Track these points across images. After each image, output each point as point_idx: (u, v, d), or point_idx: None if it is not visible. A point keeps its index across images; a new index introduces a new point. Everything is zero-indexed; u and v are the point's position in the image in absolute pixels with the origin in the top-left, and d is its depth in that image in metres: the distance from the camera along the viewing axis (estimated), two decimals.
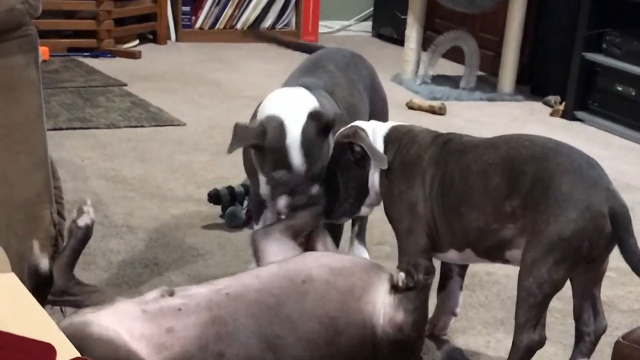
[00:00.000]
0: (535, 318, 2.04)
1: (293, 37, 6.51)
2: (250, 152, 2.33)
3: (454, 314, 2.43)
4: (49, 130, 2.28)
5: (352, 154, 2.27)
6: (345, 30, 7.03)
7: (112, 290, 2.45)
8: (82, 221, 2.06)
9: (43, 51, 4.68)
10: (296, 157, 2.21)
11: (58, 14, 5.53)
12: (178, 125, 4.30)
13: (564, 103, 5.00)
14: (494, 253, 2.14)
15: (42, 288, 1.91)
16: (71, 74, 5.15)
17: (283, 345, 1.84)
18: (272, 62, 5.56)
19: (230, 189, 3.17)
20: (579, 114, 4.90)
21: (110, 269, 2.75)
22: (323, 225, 2.32)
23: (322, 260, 2.02)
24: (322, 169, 2.27)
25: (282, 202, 2.27)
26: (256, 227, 2.50)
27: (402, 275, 2.00)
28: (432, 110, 4.86)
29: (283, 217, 2.31)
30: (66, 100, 4.58)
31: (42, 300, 1.87)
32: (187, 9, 6.32)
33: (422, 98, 5.08)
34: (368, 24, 7.02)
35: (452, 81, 5.43)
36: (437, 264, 2.40)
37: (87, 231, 2.06)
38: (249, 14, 6.45)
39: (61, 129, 4.09)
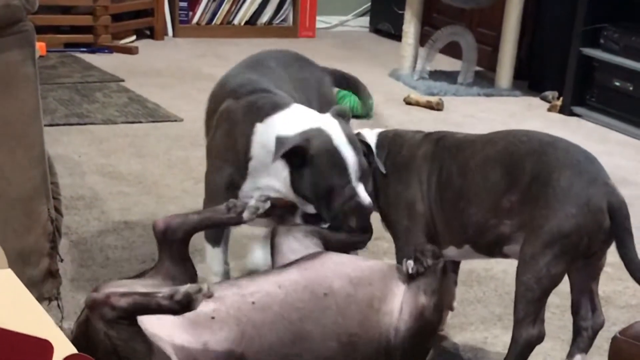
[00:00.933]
0: (534, 313, 2.04)
1: (291, 32, 6.52)
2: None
3: (451, 309, 2.44)
4: (45, 126, 2.27)
5: None
6: (342, 25, 7.02)
7: None
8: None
9: (40, 47, 4.69)
10: (349, 154, 2.11)
11: (55, 9, 5.51)
12: (175, 121, 4.30)
13: (561, 98, 4.99)
14: (493, 248, 2.14)
15: None
16: (68, 69, 5.15)
17: None
18: None
19: None
20: (577, 109, 4.90)
21: (107, 265, 2.74)
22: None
23: (341, 269, 1.96)
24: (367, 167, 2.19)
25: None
26: (213, 250, 2.37)
27: (410, 262, 1.98)
28: (429, 106, 4.86)
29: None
30: (63, 96, 4.57)
31: None
32: (184, 4, 6.32)
33: (420, 93, 5.08)
34: (365, 19, 7.01)
35: (449, 76, 5.43)
36: None
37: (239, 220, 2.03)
38: (246, 10, 6.45)
39: (58, 124, 4.08)
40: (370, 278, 1.96)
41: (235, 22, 6.46)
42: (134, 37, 6.03)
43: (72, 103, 4.47)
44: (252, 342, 1.77)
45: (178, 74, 5.27)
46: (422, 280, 1.97)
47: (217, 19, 6.42)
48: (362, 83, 2.94)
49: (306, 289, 1.88)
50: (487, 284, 2.79)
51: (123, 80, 4.97)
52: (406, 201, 2.20)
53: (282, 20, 6.59)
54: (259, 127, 2.20)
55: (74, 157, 3.69)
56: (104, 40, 5.68)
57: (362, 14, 7.04)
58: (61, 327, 1.54)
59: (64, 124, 4.11)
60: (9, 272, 1.56)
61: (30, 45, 2.13)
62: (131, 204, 3.23)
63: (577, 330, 2.17)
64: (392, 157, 2.26)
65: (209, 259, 2.38)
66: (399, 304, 1.96)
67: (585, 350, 2.16)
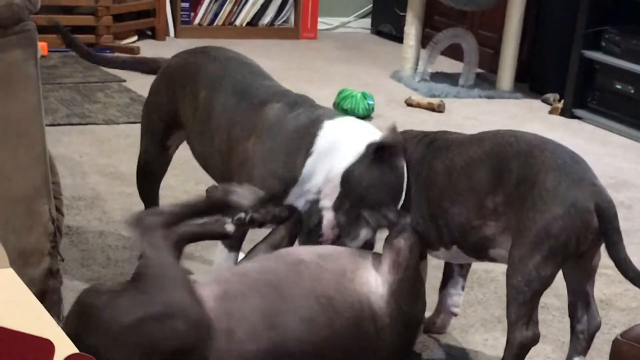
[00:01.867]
0: (526, 315, 2.03)
1: (292, 34, 6.53)
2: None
3: (454, 314, 2.43)
4: (47, 126, 2.27)
5: None
6: (344, 27, 7.02)
7: None
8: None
9: (42, 46, 4.68)
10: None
11: (57, 9, 5.51)
12: None
13: (562, 101, 5.00)
14: (479, 251, 2.14)
15: None
16: (70, 69, 5.15)
17: (285, 324, 1.85)
18: (272, 59, 5.55)
19: None
20: (578, 111, 4.90)
21: (108, 265, 2.75)
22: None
23: (306, 249, 2.09)
24: None
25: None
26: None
27: (374, 217, 2.08)
28: (430, 108, 4.86)
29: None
30: (65, 96, 4.58)
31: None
32: (186, 5, 6.32)
33: (421, 95, 5.08)
34: (367, 21, 7.01)
35: (451, 78, 5.43)
36: (440, 263, 2.41)
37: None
38: (248, 11, 6.45)
39: (59, 124, 4.09)
40: (337, 255, 2.05)
41: (237, 23, 6.46)
42: (135, 38, 6.03)
43: (73, 103, 4.47)
44: (234, 299, 1.84)
45: None
46: (391, 234, 2.08)
47: (219, 20, 6.42)
48: None
49: (279, 260, 2.01)
50: (487, 286, 2.79)
51: (124, 81, 4.97)
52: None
53: (283, 22, 6.59)
54: (327, 124, 2.20)
55: (75, 157, 3.69)
56: (106, 41, 5.68)
57: (364, 16, 7.04)
58: (62, 327, 1.55)
59: (65, 124, 4.11)
60: (10, 271, 1.56)
61: (32, 45, 2.13)
62: (132, 204, 3.22)
63: (573, 333, 2.17)
64: None
65: (219, 259, 2.38)
66: (373, 276, 2.02)
67: (583, 352, 2.16)
